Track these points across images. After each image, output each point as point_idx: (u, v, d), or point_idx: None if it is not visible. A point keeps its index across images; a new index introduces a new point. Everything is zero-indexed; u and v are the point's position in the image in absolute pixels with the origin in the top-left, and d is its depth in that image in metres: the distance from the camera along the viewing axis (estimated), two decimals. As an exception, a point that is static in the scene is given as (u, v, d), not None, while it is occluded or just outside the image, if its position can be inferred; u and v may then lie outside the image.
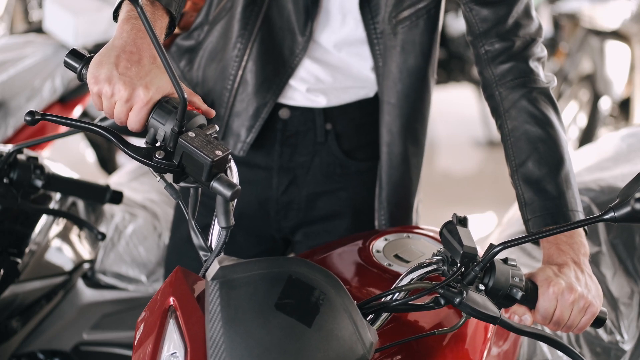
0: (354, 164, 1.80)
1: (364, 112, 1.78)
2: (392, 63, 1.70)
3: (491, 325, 1.38)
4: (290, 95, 1.74)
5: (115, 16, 1.32)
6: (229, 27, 1.73)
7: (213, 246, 1.24)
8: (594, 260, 1.97)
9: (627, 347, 1.84)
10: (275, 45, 1.71)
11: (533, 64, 1.57)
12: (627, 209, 1.16)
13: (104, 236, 1.84)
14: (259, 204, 1.81)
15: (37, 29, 3.46)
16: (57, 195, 1.94)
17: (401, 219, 1.80)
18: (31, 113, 1.19)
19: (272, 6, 1.69)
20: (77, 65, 1.26)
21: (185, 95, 1.18)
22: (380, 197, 1.77)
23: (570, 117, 4.95)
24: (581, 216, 1.46)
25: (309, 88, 1.73)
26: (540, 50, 1.60)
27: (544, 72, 1.60)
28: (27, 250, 1.83)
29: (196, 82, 1.80)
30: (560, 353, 1.72)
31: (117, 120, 1.24)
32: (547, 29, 6.55)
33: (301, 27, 1.68)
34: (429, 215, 4.29)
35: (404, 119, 1.74)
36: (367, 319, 1.22)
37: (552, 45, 6.19)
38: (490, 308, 1.18)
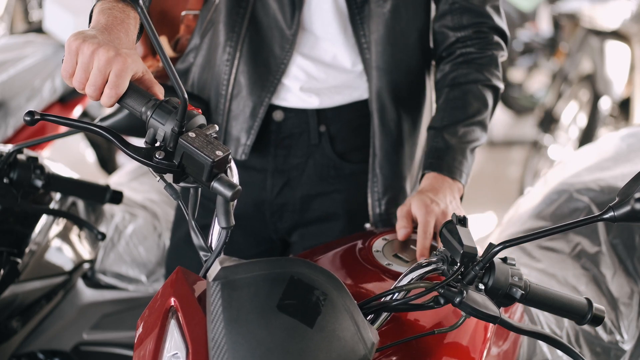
0: (348, 166, 1.80)
1: (358, 114, 1.78)
2: (381, 29, 1.70)
3: (491, 324, 1.38)
4: (283, 96, 1.74)
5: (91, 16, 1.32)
6: (217, 34, 1.74)
7: (213, 246, 1.24)
8: (594, 260, 1.97)
9: (627, 347, 1.84)
10: (264, 44, 1.71)
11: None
12: (626, 209, 1.17)
13: (104, 236, 1.84)
14: (254, 206, 1.82)
15: (37, 29, 3.47)
16: (57, 195, 1.94)
17: (395, 191, 1.79)
18: (30, 113, 1.18)
19: (256, 6, 1.70)
20: None
21: (186, 96, 1.18)
22: (374, 165, 1.76)
23: (570, 117, 4.95)
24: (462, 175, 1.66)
25: (302, 87, 1.73)
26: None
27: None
28: (27, 250, 1.83)
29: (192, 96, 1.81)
30: (560, 353, 1.72)
31: (91, 89, 1.20)
32: (547, 29, 6.55)
33: (288, 22, 1.68)
34: (429, 215, 4.27)
35: (395, 85, 1.74)
36: (367, 318, 1.22)
37: (552, 45, 6.19)
38: (490, 307, 1.19)
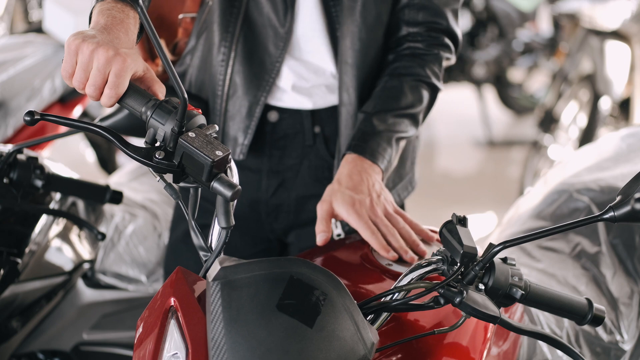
0: None
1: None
2: (351, 22, 1.70)
3: (491, 324, 1.38)
4: (278, 96, 1.75)
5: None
6: (211, 35, 1.74)
7: (213, 246, 1.24)
8: (594, 260, 1.97)
9: (627, 347, 1.84)
10: (259, 44, 1.72)
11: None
12: (626, 209, 1.17)
13: (104, 236, 1.84)
14: (249, 206, 1.82)
15: (37, 29, 3.47)
16: (57, 195, 1.94)
17: None
18: (30, 113, 1.18)
19: (250, 6, 1.70)
20: None
21: (186, 96, 1.18)
22: (339, 162, 1.73)
23: (570, 117, 4.95)
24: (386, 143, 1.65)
25: (294, 86, 1.73)
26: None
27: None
28: (27, 250, 1.83)
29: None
30: (560, 353, 1.72)
31: (91, 89, 1.20)
32: (547, 29, 6.56)
33: (281, 20, 1.69)
34: (429, 215, 4.30)
35: (361, 80, 1.74)
36: (367, 318, 1.22)
37: (552, 45, 6.20)
38: (490, 307, 1.19)
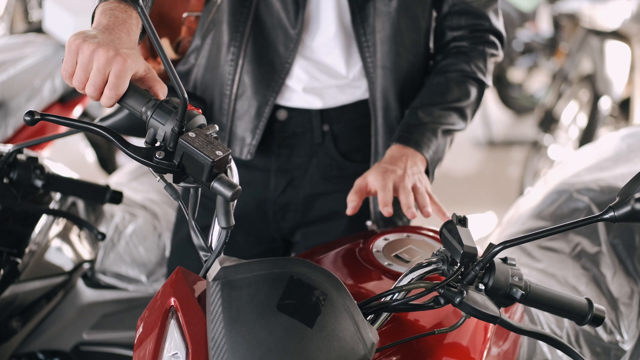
0: (351, 166, 1.80)
1: (361, 113, 1.78)
2: (389, 27, 1.71)
3: (491, 324, 1.38)
4: (287, 96, 1.74)
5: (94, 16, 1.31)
6: (220, 34, 1.73)
7: (213, 246, 1.24)
8: (594, 260, 1.97)
9: (627, 347, 1.84)
10: (269, 44, 1.71)
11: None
12: (626, 209, 1.17)
13: (104, 236, 1.84)
14: (257, 205, 1.82)
15: (37, 29, 3.47)
16: (57, 195, 1.94)
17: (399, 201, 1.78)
18: (30, 113, 1.18)
19: (260, 6, 1.70)
20: None
21: (186, 96, 1.18)
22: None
23: (570, 117, 4.95)
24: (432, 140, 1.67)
25: (305, 87, 1.73)
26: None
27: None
28: (27, 250, 1.83)
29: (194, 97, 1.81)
30: (560, 353, 1.72)
31: (91, 89, 1.20)
32: (547, 29, 6.56)
33: (292, 21, 1.68)
34: (429, 215, 4.27)
35: (399, 84, 1.75)
36: (367, 318, 1.22)
37: (552, 45, 6.19)
38: (490, 307, 1.19)
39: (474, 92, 1.76)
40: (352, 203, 1.57)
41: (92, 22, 1.30)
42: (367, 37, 1.70)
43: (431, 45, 1.82)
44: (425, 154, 1.65)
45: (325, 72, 1.73)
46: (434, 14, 1.81)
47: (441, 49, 1.80)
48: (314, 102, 1.75)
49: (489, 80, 1.79)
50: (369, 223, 1.77)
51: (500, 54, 1.81)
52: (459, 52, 1.77)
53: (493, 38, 1.79)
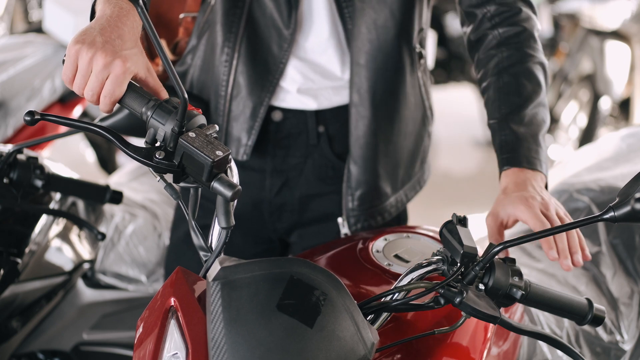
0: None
1: None
2: (363, 24, 1.68)
3: (491, 324, 1.38)
4: (282, 97, 1.74)
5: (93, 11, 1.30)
6: (214, 35, 1.73)
7: (213, 246, 1.24)
8: (594, 260, 1.97)
9: (627, 347, 1.84)
10: (263, 44, 1.71)
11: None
12: (626, 209, 1.17)
13: (104, 236, 1.84)
14: (252, 206, 1.82)
15: (37, 29, 3.47)
16: (57, 195, 1.94)
17: (368, 187, 1.75)
18: (30, 113, 1.18)
19: (253, 6, 1.70)
20: None
21: (186, 96, 1.18)
22: (349, 159, 1.73)
23: (570, 117, 4.95)
24: (540, 162, 1.56)
25: (299, 89, 1.73)
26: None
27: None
28: (27, 250, 1.83)
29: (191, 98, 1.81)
30: (560, 353, 1.72)
31: (89, 94, 1.20)
32: (547, 29, 6.55)
33: (285, 21, 1.68)
34: (429, 215, 4.29)
35: (372, 81, 1.71)
36: (367, 318, 1.22)
37: (552, 45, 6.19)
38: (490, 307, 1.19)
39: (541, 75, 1.64)
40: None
41: (91, 12, 1.30)
42: (350, 34, 1.69)
43: (461, 27, 1.73)
44: (542, 170, 1.55)
45: (320, 72, 1.73)
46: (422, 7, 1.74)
47: (476, 40, 1.68)
48: (309, 103, 1.75)
49: (545, 58, 1.66)
50: (339, 220, 1.76)
51: (539, 25, 1.68)
52: (505, 43, 1.64)
53: (525, 8, 1.66)
